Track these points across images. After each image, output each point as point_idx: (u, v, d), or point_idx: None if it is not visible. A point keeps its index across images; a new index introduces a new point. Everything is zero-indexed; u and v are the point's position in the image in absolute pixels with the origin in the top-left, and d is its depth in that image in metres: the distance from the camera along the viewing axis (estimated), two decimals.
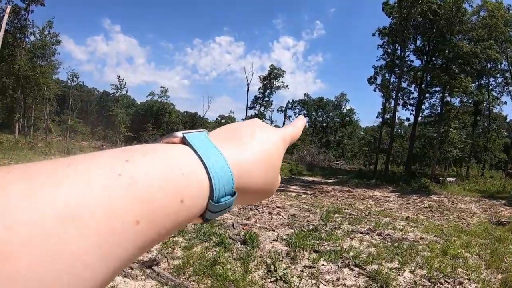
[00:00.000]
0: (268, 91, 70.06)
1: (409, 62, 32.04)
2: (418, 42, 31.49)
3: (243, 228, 7.55)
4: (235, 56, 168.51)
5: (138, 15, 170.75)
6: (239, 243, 6.42)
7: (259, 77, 69.49)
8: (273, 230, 7.70)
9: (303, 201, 12.92)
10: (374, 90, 35.91)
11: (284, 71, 69.77)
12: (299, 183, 20.45)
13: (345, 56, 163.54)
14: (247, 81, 67.79)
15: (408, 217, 10.56)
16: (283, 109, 75.56)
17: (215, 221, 7.83)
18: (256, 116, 69.57)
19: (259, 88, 70.31)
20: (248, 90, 67.02)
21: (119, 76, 66.52)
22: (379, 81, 35.26)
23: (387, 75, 34.06)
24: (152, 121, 76.80)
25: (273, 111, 72.80)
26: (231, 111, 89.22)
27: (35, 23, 35.42)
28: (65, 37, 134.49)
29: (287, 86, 70.07)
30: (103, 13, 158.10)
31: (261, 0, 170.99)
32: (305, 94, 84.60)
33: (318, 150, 48.93)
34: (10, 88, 35.12)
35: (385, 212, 11.37)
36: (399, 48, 31.71)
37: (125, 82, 65.50)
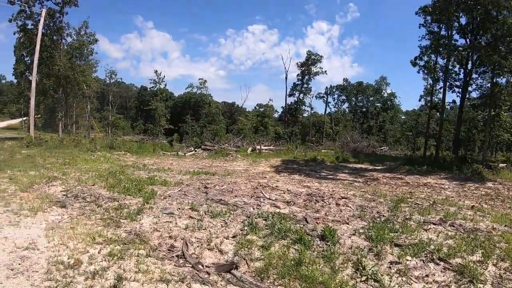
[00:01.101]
0: (306, 77, 69.00)
1: (453, 42, 30.30)
2: (462, 20, 29.74)
3: (316, 222, 7.29)
4: (269, 44, 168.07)
5: (169, 10, 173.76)
6: (317, 239, 6.18)
7: (297, 63, 68.68)
8: (347, 223, 7.49)
9: (363, 190, 12.58)
10: (418, 72, 34.20)
11: (321, 57, 68.74)
12: (348, 171, 19.93)
13: (381, 39, 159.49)
14: (285, 68, 67.63)
15: (473, 206, 10.13)
16: (322, 95, 73.98)
17: (286, 216, 7.65)
18: (295, 103, 69.03)
19: (298, 75, 69.46)
20: (286, 78, 67.02)
21: (157, 71, 67.52)
22: (422, 62, 33.48)
23: (432, 55, 32.30)
24: (191, 113, 77.71)
25: (312, 97, 71.74)
26: (270, 99, 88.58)
27: (70, 24, 36.07)
28: (99, 36, 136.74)
29: (325, 71, 68.95)
30: (134, 11, 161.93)
31: None
32: (344, 79, 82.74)
33: (361, 136, 47.78)
34: (51, 88, 35.93)
35: (448, 201, 10.80)
36: (443, 27, 30.14)
37: (163, 76, 66.32)
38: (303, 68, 68.42)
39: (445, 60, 30.02)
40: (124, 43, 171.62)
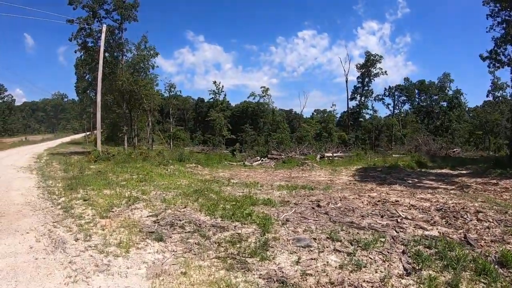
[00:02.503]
0: (366, 79, 66.47)
1: None
2: None
3: (480, 245, 5.91)
4: (320, 49, 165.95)
5: (218, 23, 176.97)
6: (496, 266, 4.83)
7: (356, 65, 66.71)
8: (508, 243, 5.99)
9: (470, 199, 10.32)
10: (489, 66, 30.16)
11: (381, 57, 66.25)
12: (433, 177, 17.24)
13: (435, 34, 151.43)
14: (345, 71, 64.51)
15: None
16: (381, 97, 70.13)
17: (443, 239, 6.03)
18: (357, 106, 65.80)
19: (358, 77, 67.20)
20: (346, 81, 63.64)
21: (215, 81, 67.06)
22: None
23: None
24: (250, 122, 76.92)
25: (373, 100, 68.87)
26: (333, 104, 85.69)
27: (129, 40, 35.74)
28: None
29: (385, 72, 66.06)
30: (185, 26, 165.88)
31: None
32: (405, 78, 78.11)
33: (432, 138, 43.87)
34: (115, 104, 35.75)
35: None
36: None
37: (222, 86, 65.68)
38: (363, 70, 65.63)
39: None
40: (177, 57, 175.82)
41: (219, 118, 61.08)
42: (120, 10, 32.98)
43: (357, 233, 6.31)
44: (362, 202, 9.67)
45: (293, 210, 8.17)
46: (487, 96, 59.60)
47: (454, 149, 40.68)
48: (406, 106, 77.72)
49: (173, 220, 6.96)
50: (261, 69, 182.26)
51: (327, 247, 5.50)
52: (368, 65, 64.76)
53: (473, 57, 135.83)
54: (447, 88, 74.26)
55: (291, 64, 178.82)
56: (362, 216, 7.86)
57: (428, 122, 73.00)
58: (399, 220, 7.50)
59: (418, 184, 14.40)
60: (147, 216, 7.46)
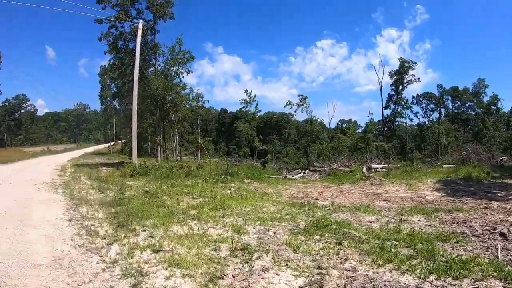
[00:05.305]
0: (400, 87, 62.45)
1: None
2: None
3: None
4: (340, 58, 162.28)
5: (237, 35, 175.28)
6: None
7: (389, 72, 62.55)
8: None
9: None
10: None
11: (415, 63, 62.30)
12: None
13: (455, 39, 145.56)
14: (378, 78, 60.25)
15: None
16: (409, 105, 66.30)
17: None
18: (392, 115, 61.59)
19: (391, 85, 63.19)
20: (381, 89, 59.36)
21: (247, 90, 63.35)
22: None
23: None
24: (275, 132, 73.57)
25: (407, 108, 64.97)
26: (370, 113, 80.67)
27: (160, 43, 32.61)
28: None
29: (418, 79, 61.93)
30: (204, 38, 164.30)
31: None
32: (438, 85, 73.51)
33: (482, 148, 39.71)
34: (147, 111, 33.00)
35: None
36: None
37: (254, 95, 62.02)
38: (396, 77, 61.58)
39: None
40: (197, 69, 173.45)
41: (247, 129, 57.70)
42: (155, 7, 29.78)
43: None
44: None
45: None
46: None
47: (502, 158, 36.82)
48: (435, 114, 73.07)
49: None
50: (280, 80, 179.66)
51: None
52: (402, 72, 60.79)
53: (500, 60, 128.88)
54: (482, 94, 70.21)
55: (310, 74, 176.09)
56: None
57: (464, 130, 68.74)
58: None
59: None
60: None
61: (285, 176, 22.37)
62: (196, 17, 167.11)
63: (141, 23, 25.80)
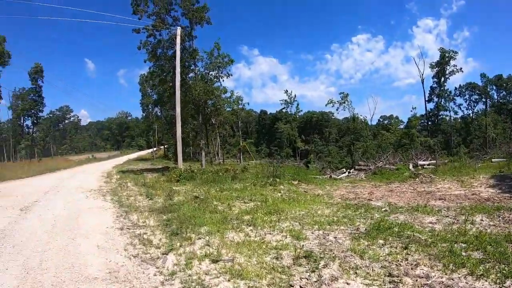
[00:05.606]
0: (442, 78, 59.45)
1: None
2: None
3: None
4: (376, 52, 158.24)
5: (271, 36, 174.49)
6: None
7: (430, 64, 59.74)
8: None
9: None
10: None
11: (456, 53, 58.97)
12: None
13: (495, 24, 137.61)
14: (419, 71, 57.84)
15: None
16: (452, 97, 63.52)
17: None
18: (435, 108, 59.12)
19: (433, 77, 60.37)
20: (423, 82, 56.98)
21: (287, 90, 62.92)
22: None
23: None
24: (316, 132, 72.49)
25: (450, 101, 62.23)
26: (413, 107, 77.43)
27: (199, 48, 32.65)
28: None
29: (460, 69, 58.69)
30: (239, 42, 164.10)
31: None
32: (481, 74, 69.28)
33: None
34: (189, 116, 33.55)
35: None
36: None
37: (295, 95, 61.42)
38: (437, 69, 58.67)
39: None
40: (234, 73, 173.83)
41: (289, 129, 57.04)
42: (191, 13, 29.82)
43: None
44: None
45: None
46: None
47: None
48: (480, 105, 69.11)
49: None
50: (317, 78, 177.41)
51: None
52: (443, 63, 57.79)
53: None
54: None
55: (347, 71, 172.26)
56: None
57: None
58: None
59: None
60: None
61: (330, 176, 21.96)
62: (230, 21, 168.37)
63: (179, 30, 25.84)
